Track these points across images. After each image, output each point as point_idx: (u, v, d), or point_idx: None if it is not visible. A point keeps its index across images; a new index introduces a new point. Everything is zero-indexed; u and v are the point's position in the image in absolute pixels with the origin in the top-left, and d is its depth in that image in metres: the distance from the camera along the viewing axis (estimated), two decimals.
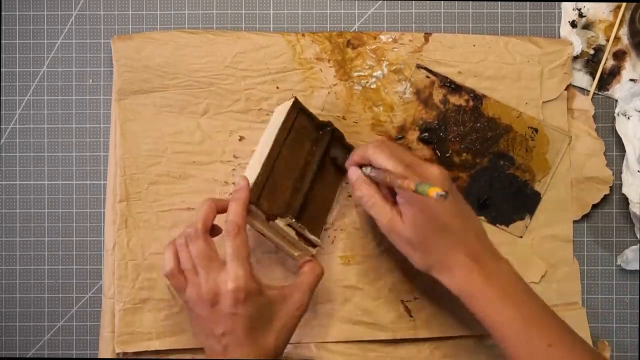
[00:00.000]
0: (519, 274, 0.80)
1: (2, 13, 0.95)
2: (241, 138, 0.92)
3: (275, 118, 0.88)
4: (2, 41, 0.95)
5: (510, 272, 0.80)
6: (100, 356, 0.92)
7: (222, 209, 0.81)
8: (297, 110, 0.86)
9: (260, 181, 0.82)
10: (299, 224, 0.84)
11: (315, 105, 0.92)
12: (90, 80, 0.95)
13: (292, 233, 0.84)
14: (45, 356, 0.94)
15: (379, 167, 0.80)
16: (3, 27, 0.95)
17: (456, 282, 0.79)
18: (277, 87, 0.92)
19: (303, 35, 0.92)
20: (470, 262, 0.78)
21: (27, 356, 0.94)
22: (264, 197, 0.82)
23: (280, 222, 0.83)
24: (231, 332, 0.76)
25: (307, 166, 0.87)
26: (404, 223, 0.78)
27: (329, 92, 0.92)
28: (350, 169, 0.84)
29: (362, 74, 0.92)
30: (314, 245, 0.86)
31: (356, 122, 0.93)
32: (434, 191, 0.68)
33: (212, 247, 0.79)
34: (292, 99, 0.86)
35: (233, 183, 0.91)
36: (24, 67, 0.95)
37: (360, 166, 0.84)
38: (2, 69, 0.95)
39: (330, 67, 0.92)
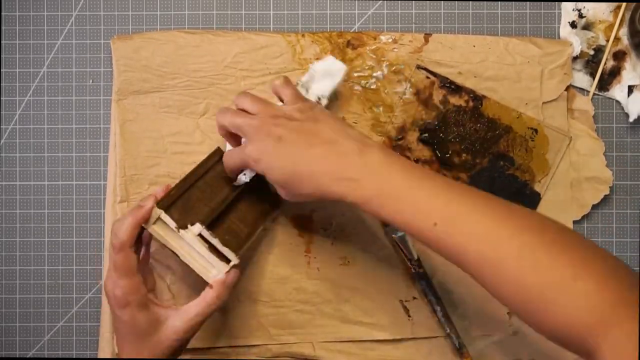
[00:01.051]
0: (392, 154, 0.74)
1: (2, 13, 0.94)
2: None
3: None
4: (2, 41, 0.94)
5: (381, 161, 0.73)
6: (100, 356, 0.91)
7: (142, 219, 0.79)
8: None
9: (174, 193, 0.80)
10: (211, 233, 0.79)
11: None
12: (90, 81, 0.93)
13: (204, 247, 0.79)
14: (45, 356, 0.93)
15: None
16: (3, 28, 0.94)
17: (356, 200, 0.72)
18: None
19: (303, 35, 0.91)
20: (348, 180, 0.72)
21: (27, 356, 0.93)
22: (175, 208, 0.79)
23: (190, 232, 0.78)
24: (118, 329, 0.79)
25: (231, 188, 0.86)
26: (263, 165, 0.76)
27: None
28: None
29: (362, 74, 0.91)
30: (228, 261, 0.80)
31: (356, 123, 0.91)
32: None
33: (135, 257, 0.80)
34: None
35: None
36: (24, 68, 0.94)
37: None
38: (2, 69, 0.94)
39: None
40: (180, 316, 0.79)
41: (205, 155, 0.85)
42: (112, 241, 0.78)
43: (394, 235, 0.88)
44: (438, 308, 0.89)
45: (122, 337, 0.79)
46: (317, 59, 0.90)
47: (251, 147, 0.76)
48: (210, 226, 0.79)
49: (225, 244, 0.79)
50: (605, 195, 0.92)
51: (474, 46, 0.91)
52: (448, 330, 0.89)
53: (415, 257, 0.89)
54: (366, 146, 0.73)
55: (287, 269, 0.91)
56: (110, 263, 0.78)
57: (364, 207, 0.72)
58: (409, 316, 0.91)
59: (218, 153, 0.85)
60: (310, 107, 0.78)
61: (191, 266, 0.79)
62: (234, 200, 0.84)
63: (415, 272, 0.89)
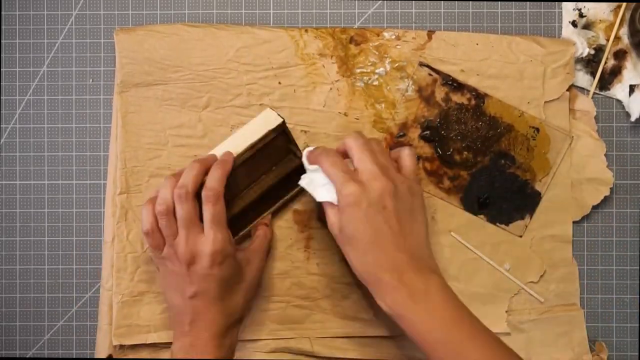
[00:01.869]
0: (451, 289, 0.76)
1: (2, 13, 0.93)
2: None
3: (255, 124, 0.85)
4: (2, 41, 0.93)
5: (439, 289, 0.75)
6: (97, 347, 0.90)
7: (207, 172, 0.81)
8: (279, 132, 0.85)
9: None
10: None
11: (317, 101, 0.90)
12: (90, 80, 0.93)
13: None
14: (45, 356, 0.93)
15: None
16: (3, 27, 0.93)
17: (383, 299, 0.75)
18: (279, 82, 0.90)
19: (306, 30, 0.90)
20: (398, 282, 0.73)
21: (27, 356, 0.93)
22: None
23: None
24: (203, 293, 0.78)
25: (255, 183, 0.87)
26: (340, 222, 0.76)
27: (331, 88, 0.90)
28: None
29: (364, 70, 0.90)
30: None
31: (358, 119, 0.90)
32: None
33: (197, 210, 0.79)
34: (281, 121, 0.84)
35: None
36: (24, 67, 0.93)
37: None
38: (2, 69, 0.93)
39: (333, 63, 0.90)
40: (254, 255, 0.84)
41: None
42: (207, 194, 0.78)
43: None
44: None
45: (209, 300, 0.79)
46: (320, 54, 0.90)
47: (348, 214, 0.75)
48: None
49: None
50: (606, 195, 0.91)
51: (477, 44, 0.90)
52: None
53: None
54: (428, 270, 0.76)
55: (286, 264, 0.91)
56: (207, 218, 0.78)
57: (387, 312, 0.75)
58: None
59: (277, 130, 0.85)
60: (419, 193, 0.80)
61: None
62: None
63: None
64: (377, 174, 0.75)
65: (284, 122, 0.84)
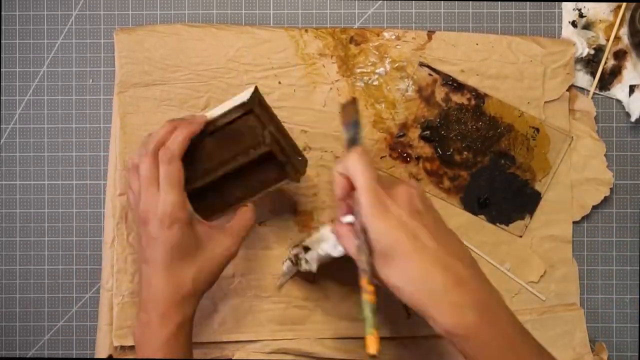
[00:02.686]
0: (509, 307, 0.68)
1: (2, 13, 0.92)
2: None
3: (235, 99, 0.80)
4: (2, 41, 0.92)
5: (498, 306, 0.67)
6: (97, 347, 0.90)
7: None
8: (247, 111, 0.78)
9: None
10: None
11: (317, 101, 0.90)
12: (90, 80, 0.92)
13: None
14: (45, 356, 0.92)
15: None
16: (3, 27, 0.92)
17: (442, 324, 0.65)
18: (279, 82, 0.90)
19: (306, 30, 0.90)
20: (457, 294, 0.65)
21: (27, 356, 0.92)
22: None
23: None
24: (152, 259, 0.74)
25: (229, 161, 0.80)
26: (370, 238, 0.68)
27: (331, 88, 0.90)
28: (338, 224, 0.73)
29: (364, 70, 0.90)
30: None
31: None
32: (367, 340, 0.65)
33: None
34: (247, 98, 0.78)
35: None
36: (24, 67, 0.92)
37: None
38: (2, 69, 0.92)
39: (333, 63, 0.90)
40: (226, 234, 0.77)
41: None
42: (161, 153, 0.74)
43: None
44: None
45: (155, 267, 0.74)
46: (320, 54, 0.89)
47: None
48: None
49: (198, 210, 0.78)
50: (606, 195, 0.90)
51: (477, 44, 0.89)
52: None
53: None
54: (490, 287, 0.69)
55: (286, 264, 0.89)
56: (161, 178, 0.74)
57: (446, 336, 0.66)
58: (408, 314, 0.89)
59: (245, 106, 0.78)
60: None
61: None
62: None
63: None
64: (405, 185, 0.69)
65: (252, 101, 0.77)
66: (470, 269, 0.67)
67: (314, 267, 0.82)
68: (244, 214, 0.80)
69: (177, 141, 0.74)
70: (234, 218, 0.79)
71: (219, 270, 0.77)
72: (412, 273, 0.65)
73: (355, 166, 0.69)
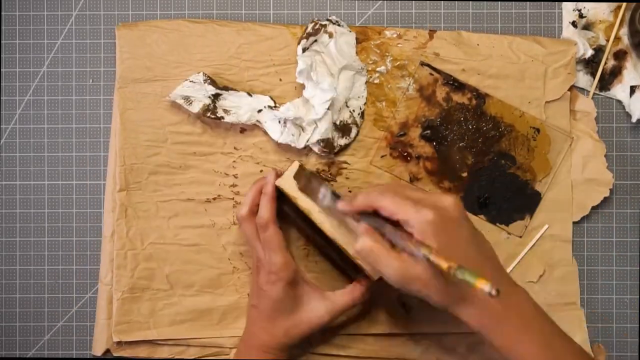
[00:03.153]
0: (535, 302, 0.74)
1: (2, 13, 0.92)
2: (242, 130, 0.89)
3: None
4: (2, 41, 0.92)
5: (527, 300, 0.74)
6: (95, 341, 0.90)
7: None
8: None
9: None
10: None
11: None
12: (90, 80, 0.92)
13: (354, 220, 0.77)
14: (45, 356, 0.92)
15: (386, 216, 0.73)
16: (3, 27, 0.92)
17: (476, 316, 0.71)
18: (280, 79, 0.89)
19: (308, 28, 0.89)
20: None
21: (27, 356, 0.92)
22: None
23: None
24: (257, 305, 0.82)
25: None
26: (417, 264, 0.70)
27: None
28: (353, 218, 0.77)
29: (366, 68, 0.89)
30: None
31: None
32: (481, 284, 0.63)
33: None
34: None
35: (234, 175, 0.90)
36: (24, 67, 0.92)
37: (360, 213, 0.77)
38: (2, 69, 0.92)
39: None
40: (325, 302, 0.81)
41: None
42: (258, 222, 0.81)
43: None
44: None
45: (265, 311, 0.81)
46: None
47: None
48: None
49: None
50: (605, 196, 0.90)
51: (478, 44, 0.89)
52: None
53: None
54: (514, 284, 0.75)
55: None
56: (260, 243, 0.81)
57: (476, 329, 0.72)
58: (406, 311, 0.89)
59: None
60: None
61: (335, 239, 0.79)
62: None
63: None
64: (438, 192, 0.75)
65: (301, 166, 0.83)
66: (503, 271, 0.75)
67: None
68: (354, 290, 0.82)
69: (265, 208, 0.80)
70: (343, 289, 0.82)
71: (310, 331, 0.82)
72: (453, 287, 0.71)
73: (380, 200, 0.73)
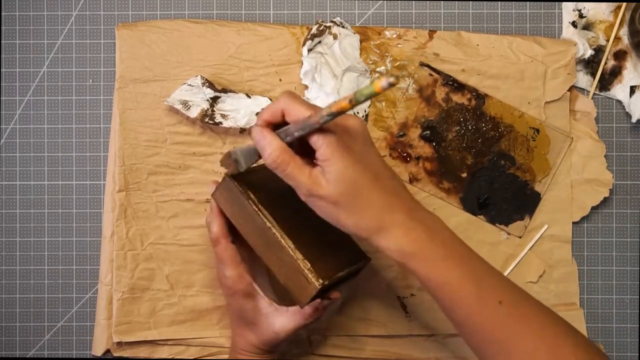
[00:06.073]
0: (451, 230, 0.71)
1: (2, 13, 0.92)
2: (242, 130, 0.89)
3: None
4: (2, 41, 0.92)
5: (446, 228, 0.70)
6: (95, 341, 0.90)
7: None
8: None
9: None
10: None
11: None
12: (90, 81, 0.91)
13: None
14: (45, 356, 0.92)
15: (294, 119, 0.67)
16: (3, 27, 0.92)
17: (397, 243, 0.66)
18: (280, 80, 0.89)
19: (308, 28, 0.89)
20: (409, 220, 0.67)
21: (27, 356, 0.92)
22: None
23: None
24: (230, 316, 0.84)
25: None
26: (328, 181, 0.65)
27: None
28: (257, 130, 0.69)
29: (369, 70, 0.89)
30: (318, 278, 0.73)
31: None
32: (382, 81, 0.58)
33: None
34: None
35: None
36: (24, 67, 0.92)
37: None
38: (2, 69, 0.92)
39: None
40: (279, 318, 0.79)
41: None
42: (210, 237, 0.80)
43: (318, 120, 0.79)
44: None
45: (233, 320, 0.83)
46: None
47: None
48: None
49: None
50: (605, 196, 0.90)
51: (478, 45, 0.89)
52: None
53: None
54: (430, 212, 0.71)
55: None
56: (217, 259, 0.80)
57: (398, 258, 0.68)
58: (407, 313, 0.89)
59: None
60: None
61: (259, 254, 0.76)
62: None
63: None
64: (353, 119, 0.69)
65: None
66: (412, 197, 0.71)
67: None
68: (305, 310, 0.78)
69: (213, 223, 0.79)
70: (294, 307, 0.78)
71: (273, 346, 0.81)
72: (373, 204, 0.67)
73: (292, 106, 0.67)
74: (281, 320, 0.78)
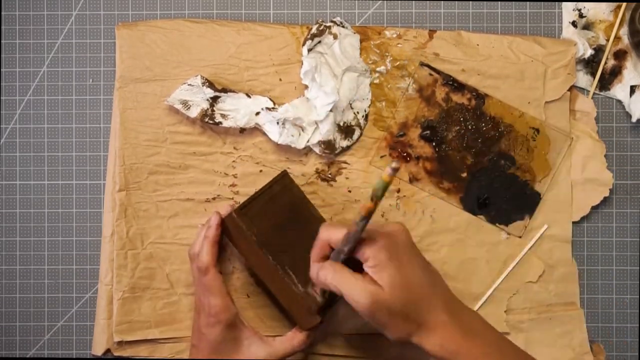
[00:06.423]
0: (489, 324, 0.75)
1: (2, 13, 0.92)
2: (242, 130, 0.89)
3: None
4: (2, 41, 0.92)
5: (482, 323, 0.75)
6: (95, 341, 0.89)
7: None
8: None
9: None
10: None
11: None
12: (90, 80, 0.91)
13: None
14: (45, 356, 0.92)
15: (337, 240, 0.74)
16: (3, 27, 0.92)
17: (439, 343, 0.71)
18: (280, 79, 0.89)
19: (308, 27, 0.89)
20: (449, 319, 0.71)
21: (27, 356, 0.91)
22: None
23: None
24: (197, 346, 0.82)
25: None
26: (383, 289, 0.70)
27: None
28: (314, 267, 0.75)
29: (370, 70, 0.89)
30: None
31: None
32: (387, 170, 0.64)
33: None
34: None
35: (234, 175, 0.89)
36: (24, 67, 0.91)
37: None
38: (2, 69, 0.91)
39: None
40: (265, 347, 0.81)
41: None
42: (197, 265, 0.81)
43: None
44: None
45: (199, 350, 0.81)
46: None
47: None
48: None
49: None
50: (605, 196, 0.90)
51: (478, 44, 0.89)
52: None
53: None
54: (467, 308, 0.76)
55: None
56: (200, 286, 0.81)
57: (439, 356, 0.72)
58: None
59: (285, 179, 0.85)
60: None
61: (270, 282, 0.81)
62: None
63: None
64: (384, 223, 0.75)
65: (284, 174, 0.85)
66: (451, 295, 0.75)
67: None
68: (293, 338, 0.81)
69: (205, 252, 0.80)
70: (283, 337, 0.82)
71: None
72: (419, 304, 0.71)
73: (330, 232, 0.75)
74: (266, 349, 0.80)
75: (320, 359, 0.89)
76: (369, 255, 0.70)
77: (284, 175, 0.84)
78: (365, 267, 0.71)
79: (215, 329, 0.79)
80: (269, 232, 0.80)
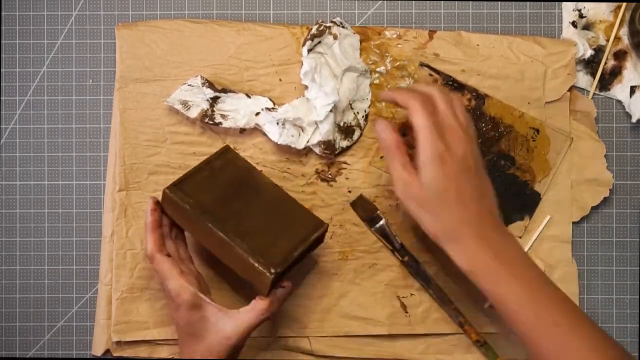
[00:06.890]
0: (523, 249, 0.77)
1: (2, 13, 0.92)
2: (242, 130, 0.89)
3: None
4: (2, 41, 0.92)
5: (514, 248, 0.76)
6: (94, 341, 0.89)
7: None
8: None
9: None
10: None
11: None
12: (90, 81, 0.91)
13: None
14: (45, 356, 0.92)
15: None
16: (3, 27, 0.92)
17: (464, 256, 0.74)
18: (280, 80, 0.89)
19: (308, 28, 0.89)
20: (479, 238, 0.74)
21: (27, 356, 0.91)
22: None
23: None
24: (179, 338, 0.81)
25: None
26: (422, 184, 0.74)
27: None
28: (380, 122, 0.78)
29: (370, 70, 0.89)
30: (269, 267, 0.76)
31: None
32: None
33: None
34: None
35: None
36: (24, 67, 0.91)
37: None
38: (2, 69, 0.91)
39: None
40: (230, 321, 0.78)
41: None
42: (145, 254, 0.80)
43: (372, 229, 0.88)
44: (431, 291, 0.88)
45: (182, 340, 0.81)
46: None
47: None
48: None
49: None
50: (605, 196, 0.90)
51: (478, 45, 0.89)
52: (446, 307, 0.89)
53: (398, 245, 0.88)
54: (505, 231, 0.78)
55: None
56: (156, 274, 0.83)
57: (464, 268, 0.75)
58: (406, 312, 0.89)
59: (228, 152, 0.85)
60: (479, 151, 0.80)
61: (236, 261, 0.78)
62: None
63: (402, 260, 0.88)
64: (461, 135, 0.75)
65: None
66: (497, 220, 0.77)
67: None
68: (255, 305, 0.78)
69: (147, 240, 0.80)
70: (246, 307, 0.79)
71: (226, 354, 0.78)
72: (451, 215, 0.74)
73: (436, 95, 0.77)
74: (232, 322, 0.77)
75: (320, 359, 0.89)
76: (423, 153, 0.74)
77: (226, 150, 0.84)
78: (416, 161, 0.75)
79: (180, 312, 0.78)
80: (212, 203, 0.79)
